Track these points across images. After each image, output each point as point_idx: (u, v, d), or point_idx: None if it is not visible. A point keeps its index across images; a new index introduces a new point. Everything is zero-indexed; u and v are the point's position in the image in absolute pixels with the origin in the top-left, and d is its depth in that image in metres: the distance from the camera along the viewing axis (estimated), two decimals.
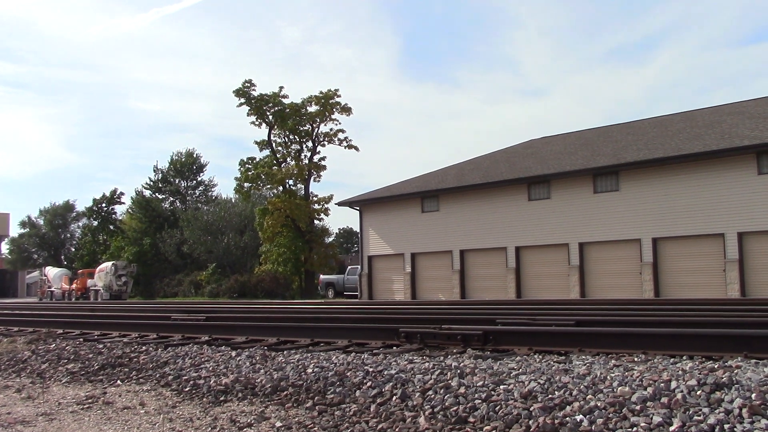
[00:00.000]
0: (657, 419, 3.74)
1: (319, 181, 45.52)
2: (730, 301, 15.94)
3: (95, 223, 67.46)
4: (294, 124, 43.62)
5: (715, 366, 4.98)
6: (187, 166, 65.36)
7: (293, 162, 44.81)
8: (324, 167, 44.80)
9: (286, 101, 43.66)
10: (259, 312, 14.72)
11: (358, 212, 36.28)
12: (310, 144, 45.09)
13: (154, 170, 64.56)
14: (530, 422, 4.05)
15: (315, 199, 44.52)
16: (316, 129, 44.63)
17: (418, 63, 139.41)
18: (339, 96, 43.50)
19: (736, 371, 4.66)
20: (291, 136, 44.95)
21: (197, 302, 28.76)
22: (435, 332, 7.50)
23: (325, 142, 44.74)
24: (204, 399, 5.71)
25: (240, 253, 53.15)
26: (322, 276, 43.96)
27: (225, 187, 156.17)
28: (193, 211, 59.00)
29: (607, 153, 28.77)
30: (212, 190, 67.30)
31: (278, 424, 4.67)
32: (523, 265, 29.50)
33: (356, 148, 44.88)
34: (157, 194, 64.42)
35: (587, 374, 4.91)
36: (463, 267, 31.37)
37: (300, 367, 6.30)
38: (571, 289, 27.36)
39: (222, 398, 5.68)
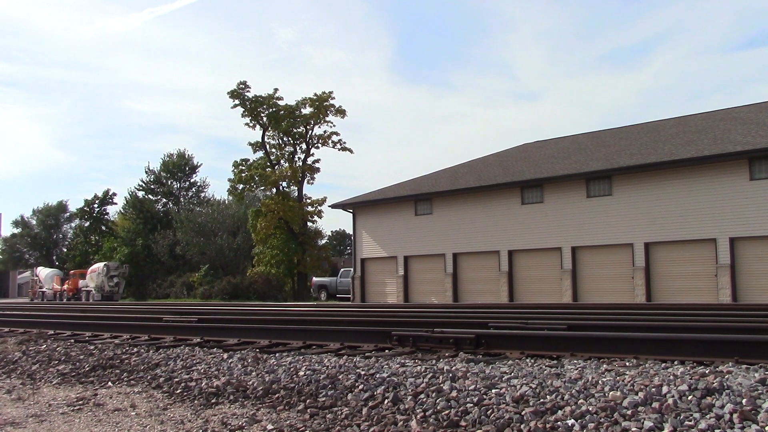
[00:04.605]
0: (648, 424, 3.75)
1: (312, 183, 45.65)
2: (721, 306, 15.99)
3: (87, 223, 67.22)
4: (288, 126, 43.60)
5: (707, 371, 4.99)
6: (179, 167, 65.21)
7: (287, 164, 44.79)
8: (318, 169, 44.85)
9: (280, 103, 43.67)
10: (252, 314, 14.68)
11: (351, 215, 36.26)
12: (303, 146, 45.12)
13: (146, 171, 64.49)
14: (522, 426, 4.06)
15: (308, 201, 44.53)
16: (310, 131, 44.65)
17: (412, 66, 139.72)
18: (333, 98, 43.58)
19: (727, 376, 4.67)
20: (285, 138, 44.95)
21: (189, 304, 28.67)
22: (427, 336, 7.50)
23: (319, 145, 44.78)
24: (195, 401, 5.69)
25: (233, 254, 53.04)
26: (314, 278, 43.92)
27: (218, 189, 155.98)
28: (186, 213, 58.85)
29: (600, 158, 28.87)
30: (205, 191, 67.27)
31: (270, 426, 4.65)
32: (516, 268, 29.54)
33: (350, 151, 45.02)
34: (149, 195, 64.27)
35: (579, 379, 4.92)
36: (456, 270, 31.39)
37: (292, 369, 6.29)
38: (564, 293, 27.41)
39: (213, 400, 5.66)
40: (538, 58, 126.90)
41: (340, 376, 5.74)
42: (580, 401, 4.32)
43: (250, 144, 45.20)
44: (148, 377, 6.83)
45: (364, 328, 8.90)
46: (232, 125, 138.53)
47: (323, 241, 63.38)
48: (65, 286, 51.22)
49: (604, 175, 26.91)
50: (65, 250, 78.05)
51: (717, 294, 23.75)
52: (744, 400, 3.90)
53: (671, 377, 4.74)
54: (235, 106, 43.51)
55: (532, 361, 6.32)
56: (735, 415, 3.71)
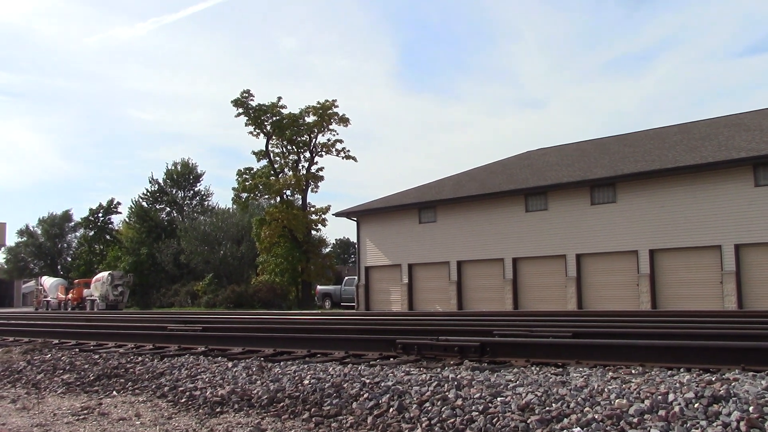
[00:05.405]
0: None
1: (316, 191, 45.68)
2: (727, 313, 15.95)
3: (91, 233, 67.32)
4: (292, 135, 43.72)
5: (713, 378, 4.98)
6: (184, 176, 65.37)
7: (291, 172, 44.89)
8: (322, 178, 44.93)
9: (284, 111, 43.78)
10: (256, 323, 14.67)
11: (355, 223, 36.28)
12: (307, 154, 45.23)
13: (150, 181, 64.66)
14: None
15: (312, 209, 44.59)
16: (314, 139, 44.77)
17: (415, 74, 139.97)
18: (337, 106, 43.70)
19: (733, 384, 4.65)
20: (289, 147, 45.07)
21: (194, 313, 28.66)
22: (432, 344, 7.48)
23: (323, 153, 44.88)
24: (200, 410, 5.68)
25: (237, 263, 53.08)
26: (319, 287, 43.89)
27: (222, 197, 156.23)
28: (191, 221, 58.96)
29: (604, 165, 28.85)
30: (208, 199, 67.38)
31: None
32: (521, 276, 29.48)
33: (354, 159, 45.02)
34: (154, 204, 64.42)
35: (584, 386, 4.91)
36: (460, 278, 31.34)
37: (297, 378, 6.28)
38: (568, 300, 27.34)
39: (218, 410, 5.65)
40: (541, 66, 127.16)
41: (344, 385, 5.72)
42: (585, 409, 4.30)
43: (254, 152, 45.36)
44: (153, 386, 6.82)
45: (369, 336, 8.89)
46: (236, 134, 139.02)
47: (327, 250, 63.39)
48: (70, 296, 51.26)
49: (608, 182, 26.89)
50: (70, 259, 78.17)
51: (722, 301, 23.66)
52: (751, 408, 3.88)
53: (677, 385, 4.72)
54: (239, 114, 43.68)
55: (538, 368, 6.31)
56: (742, 423, 3.69)
